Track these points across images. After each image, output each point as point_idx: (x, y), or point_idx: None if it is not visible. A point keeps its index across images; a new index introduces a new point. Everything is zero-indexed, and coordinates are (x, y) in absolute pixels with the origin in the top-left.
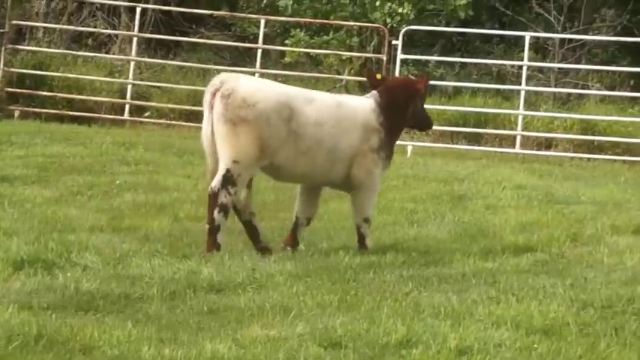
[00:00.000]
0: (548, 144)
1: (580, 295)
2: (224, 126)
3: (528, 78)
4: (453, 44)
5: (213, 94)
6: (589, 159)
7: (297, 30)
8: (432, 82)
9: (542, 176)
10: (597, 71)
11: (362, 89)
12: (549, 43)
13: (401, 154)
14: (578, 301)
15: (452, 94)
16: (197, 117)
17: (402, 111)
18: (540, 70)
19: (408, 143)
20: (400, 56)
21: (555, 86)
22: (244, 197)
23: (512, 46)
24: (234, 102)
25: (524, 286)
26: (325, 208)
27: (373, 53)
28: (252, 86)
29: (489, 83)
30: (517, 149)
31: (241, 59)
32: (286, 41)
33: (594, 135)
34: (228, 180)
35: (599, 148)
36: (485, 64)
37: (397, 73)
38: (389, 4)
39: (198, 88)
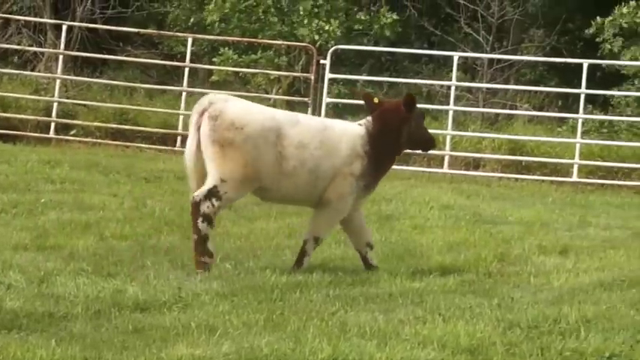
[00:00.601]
0: (476, 164)
1: (507, 315)
2: (212, 147)
3: (457, 98)
4: (382, 64)
5: (201, 114)
6: (517, 179)
7: (225, 48)
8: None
9: (470, 196)
10: (525, 91)
11: (290, 108)
12: (478, 63)
13: None
14: (505, 321)
15: None
16: (124, 135)
17: (395, 136)
18: (469, 90)
19: None
20: (328, 75)
21: (484, 106)
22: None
23: (441, 66)
24: (222, 124)
25: (450, 306)
26: (251, 227)
27: (301, 72)
28: (240, 109)
29: (418, 103)
30: (445, 169)
31: (168, 78)
32: (214, 60)
33: (522, 155)
34: (213, 194)
35: (527, 168)
36: (414, 84)
37: (325, 93)
38: (316, 20)
39: (125, 106)
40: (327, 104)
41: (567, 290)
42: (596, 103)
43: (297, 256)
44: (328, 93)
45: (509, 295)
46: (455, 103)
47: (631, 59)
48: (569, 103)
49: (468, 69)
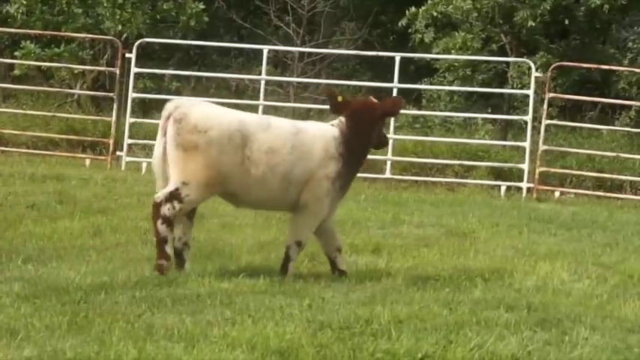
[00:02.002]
0: None
1: (318, 316)
2: (175, 150)
3: (267, 93)
4: (191, 57)
5: (167, 118)
6: None
7: (27, 42)
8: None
9: None
10: (338, 86)
11: (94, 104)
12: (288, 57)
13: (135, 170)
14: (316, 322)
15: None
16: None
17: (367, 136)
18: (279, 84)
19: (143, 160)
20: (134, 70)
21: (295, 101)
22: (185, 227)
23: (251, 60)
24: (185, 127)
25: (260, 307)
26: (54, 226)
27: (107, 67)
28: (205, 112)
29: (227, 98)
30: None
31: None
32: (15, 53)
33: None
34: (174, 196)
35: None
36: (223, 79)
37: (131, 88)
38: (119, 12)
39: None
40: (134, 99)
41: (380, 290)
42: (410, 98)
43: (281, 262)
44: (134, 88)
45: (320, 295)
46: (265, 98)
47: (443, 51)
48: (381, 98)
49: (279, 63)
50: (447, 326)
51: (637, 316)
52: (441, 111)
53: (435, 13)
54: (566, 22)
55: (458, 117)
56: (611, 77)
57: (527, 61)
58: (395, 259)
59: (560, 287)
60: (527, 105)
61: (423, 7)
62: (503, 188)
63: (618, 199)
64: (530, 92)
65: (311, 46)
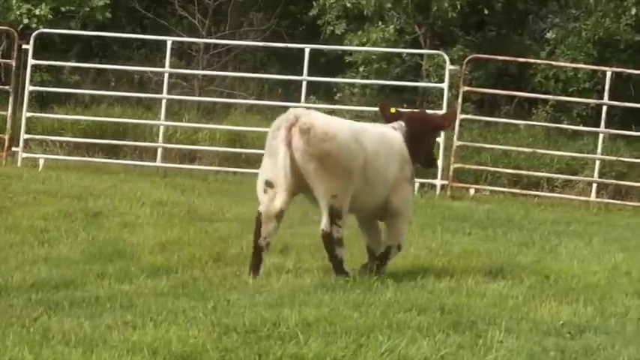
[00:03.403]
0: (192, 157)
1: (223, 319)
2: (309, 164)
3: (171, 86)
4: (91, 49)
5: (289, 130)
6: (235, 173)
7: None
8: (66, 91)
9: (185, 191)
10: (245, 79)
11: None
12: (194, 49)
13: (32, 167)
14: (221, 325)
15: (88, 103)
16: None
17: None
18: (184, 77)
19: (40, 156)
20: (31, 62)
21: (200, 95)
22: (273, 227)
23: (154, 52)
24: (316, 136)
25: (162, 310)
26: None
27: (2, 58)
28: (325, 119)
29: (130, 91)
30: (158, 162)
31: None
32: None
33: (242, 147)
34: (334, 215)
35: (247, 161)
36: (126, 71)
37: (27, 81)
38: (25, 5)
39: None
40: (31, 93)
41: (288, 292)
42: (320, 92)
43: (377, 263)
44: (31, 81)
45: (225, 297)
46: (169, 92)
47: (358, 45)
48: (291, 92)
49: (183, 55)
50: (357, 329)
51: (553, 317)
52: (354, 106)
53: (347, 4)
54: (485, 12)
55: (370, 111)
56: (528, 70)
57: (442, 53)
58: (304, 260)
59: (475, 288)
60: (442, 99)
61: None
62: (416, 185)
63: (535, 196)
64: (445, 86)
65: (217, 38)
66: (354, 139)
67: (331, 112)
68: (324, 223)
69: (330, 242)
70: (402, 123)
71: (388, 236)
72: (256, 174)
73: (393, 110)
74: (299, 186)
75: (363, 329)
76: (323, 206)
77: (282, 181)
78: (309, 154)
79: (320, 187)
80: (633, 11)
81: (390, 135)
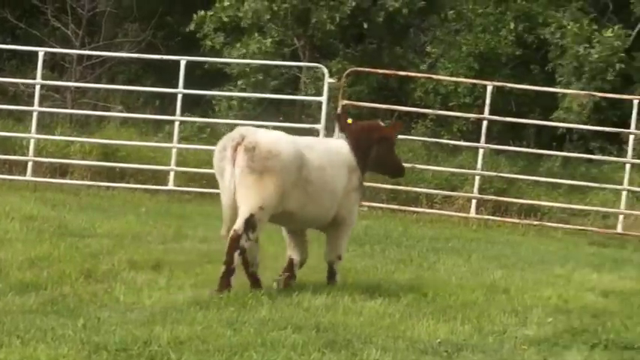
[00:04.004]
0: (63, 171)
1: (93, 337)
2: (250, 176)
3: (43, 98)
4: None
5: (235, 149)
6: (108, 187)
7: None
8: None
9: (56, 206)
10: (119, 91)
11: None
12: (66, 60)
13: None
14: (91, 343)
15: None
16: None
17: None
18: (56, 89)
19: None
20: None
21: (72, 107)
22: (254, 250)
23: (26, 63)
24: (260, 154)
25: (30, 328)
26: None
27: None
28: (272, 137)
29: (1, 103)
30: (28, 177)
31: None
32: None
33: (115, 161)
34: (250, 224)
35: (121, 175)
36: None
37: None
38: None
39: None
40: None
41: (160, 309)
42: (198, 105)
43: (327, 277)
44: None
45: (95, 315)
46: (40, 104)
47: (238, 57)
48: (166, 105)
49: (56, 66)
50: (230, 348)
51: (430, 336)
52: (231, 119)
53: (224, 18)
54: (365, 25)
55: (247, 125)
56: (408, 84)
57: (321, 66)
58: (177, 276)
59: (351, 306)
60: (321, 112)
61: (211, 12)
62: None
63: (414, 212)
64: (324, 99)
65: (91, 49)
66: (299, 156)
67: (204, 127)
68: (239, 225)
69: (236, 246)
70: (343, 135)
71: (329, 249)
72: (129, 188)
73: (349, 121)
74: None
75: (237, 348)
76: (244, 211)
77: (231, 202)
78: (250, 168)
79: (252, 195)
80: (512, 25)
81: (336, 147)
